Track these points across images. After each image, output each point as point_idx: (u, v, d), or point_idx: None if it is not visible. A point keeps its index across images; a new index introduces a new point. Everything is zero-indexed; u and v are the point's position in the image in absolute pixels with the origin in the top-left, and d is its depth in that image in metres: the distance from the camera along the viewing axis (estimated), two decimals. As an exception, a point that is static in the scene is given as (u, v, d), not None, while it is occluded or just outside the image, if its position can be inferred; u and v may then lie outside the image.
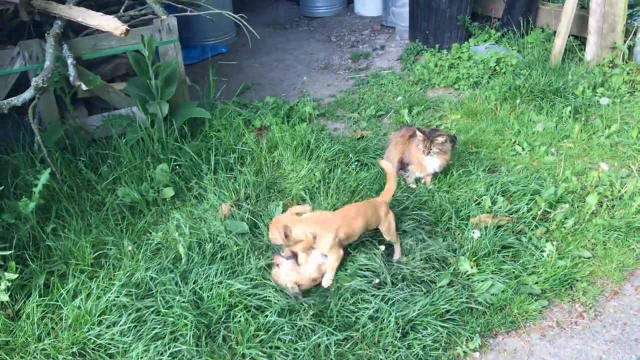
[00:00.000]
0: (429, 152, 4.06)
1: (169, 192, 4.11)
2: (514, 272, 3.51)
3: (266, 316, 3.08)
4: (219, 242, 3.58)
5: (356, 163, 4.51)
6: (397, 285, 3.38)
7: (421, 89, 6.09)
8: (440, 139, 4.04)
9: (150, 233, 3.78)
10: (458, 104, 5.58)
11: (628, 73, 5.74)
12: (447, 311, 3.24)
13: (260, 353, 2.92)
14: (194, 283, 3.30)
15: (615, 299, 3.48)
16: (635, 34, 5.86)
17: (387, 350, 3.02)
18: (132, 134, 4.50)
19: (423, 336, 3.09)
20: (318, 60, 7.34)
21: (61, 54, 4.28)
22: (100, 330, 3.04)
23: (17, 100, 3.94)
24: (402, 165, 4.30)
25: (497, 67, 6.03)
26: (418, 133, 4.08)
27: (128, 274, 3.34)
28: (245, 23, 5.17)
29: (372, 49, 7.51)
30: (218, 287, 3.24)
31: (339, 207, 3.73)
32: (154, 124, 4.60)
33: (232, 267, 3.41)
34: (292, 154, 4.41)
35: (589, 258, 3.67)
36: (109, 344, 2.99)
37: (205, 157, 4.45)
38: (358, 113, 5.65)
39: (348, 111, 5.72)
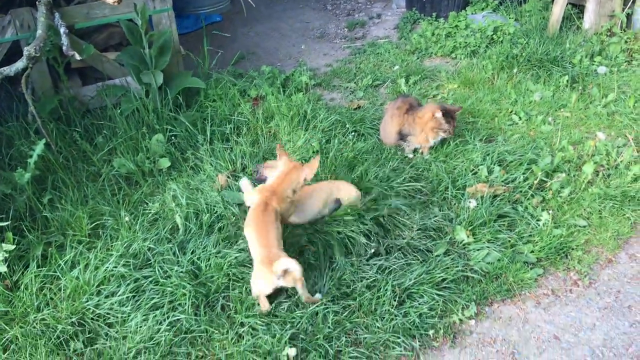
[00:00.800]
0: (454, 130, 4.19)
1: (165, 162, 4.09)
2: (509, 241, 3.53)
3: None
4: (216, 212, 3.58)
5: (353, 133, 4.50)
6: (394, 254, 3.40)
7: (418, 58, 6.03)
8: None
9: (147, 204, 3.77)
10: (455, 74, 5.54)
11: (626, 41, 5.70)
12: (443, 280, 3.28)
13: (258, 322, 2.95)
14: (191, 253, 3.31)
15: (610, 267, 3.52)
16: (634, 1, 5.80)
17: (383, 318, 3.06)
18: (127, 104, 4.46)
19: (419, 304, 3.13)
20: (314, 29, 7.25)
21: (53, 22, 4.21)
22: (99, 300, 3.06)
23: (10, 70, 3.88)
24: (402, 136, 4.28)
25: (494, 36, 5.97)
26: (438, 114, 4.12)
27: (125, 244, 3.35)
28: (240, -9, 5.08)
29: (369, 17, 7.41)
30: (216, 257, 3.25)
31: (337, 179, 3.73)
32: (148, 94, 4.56)
33: (229, 238, 3.42)
34: (289, 125, 4.39)
35: (584, 227, 3.70)
36: (108, 313, 3.01)
37: (200, 127, 4.42)
38: (355, 83, 5.61)
39: (345, 81, 5.67)
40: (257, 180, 3.65)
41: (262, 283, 2.97)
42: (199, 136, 4.32)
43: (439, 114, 4.10)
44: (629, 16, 5.88)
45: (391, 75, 5.62)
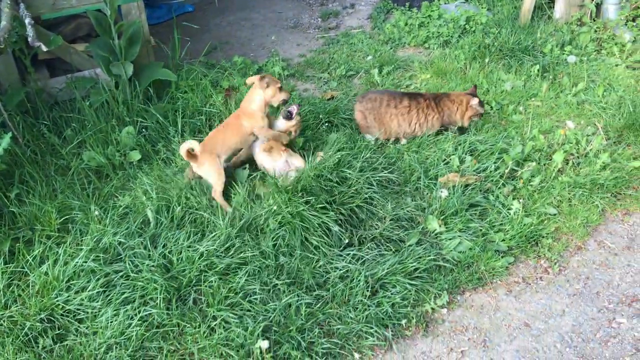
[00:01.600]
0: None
1: (136, 155, 4.04)
2: (481, 229, 3.57)
3: (239, 278, 3.09)
4: (187, 205, 3.54)
5: (327, 124, 4.49)
6: (367, 244, 3.40)
7: (391, 48, 6.03)
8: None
9: (118, 197, 3.73)
10: (428, 63, 5.55)
11: (595, 31, 5.77)
12: (416, 269, 3.30)
13: (231, 315, 2.93)
14: (163, 247, 3.28)
15: (579, 254, 3.57)
16: (603, -9, 5.87)
17: (357, 308, 3.07)
18: (96, 96, 4.39)
19: (392, 294, 3.15)
20: (287, 19, 7.19)
21: (18, 13, 4.11)
22: (68, 296, 3.01)
23: (-27, 62, 3.79)
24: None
25: (467, 26, 6.00)
26: (475, 102, 4.34)
27: (95, 239, 3.30)
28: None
29: (342, 7, 7.38)
30: (187, 250, 3.22)
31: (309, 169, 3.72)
32: (118, 86, 4.49)
33: (202, 230, 3.39)
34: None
35: (554, 215, 3.75)
36: (78, 309, 2.97)
37: (172, 119, 4.37)
38: (328, 73, 5.59)
39: (318, 71, 5.65)
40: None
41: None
42: (170, 128, 4.27)
43: (475, 102, 4.31)
44: (598, 6, 5.95)
45: (365, 66, 5.61)
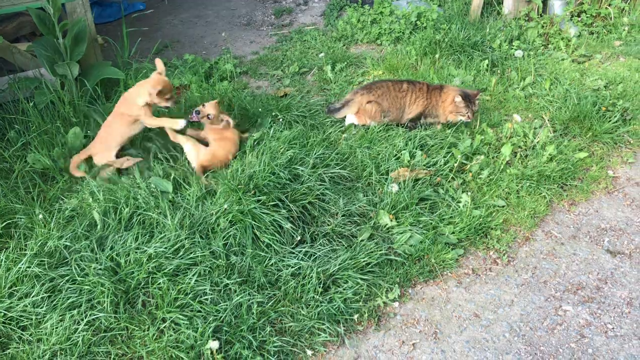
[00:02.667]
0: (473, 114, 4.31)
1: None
2: (431, 223, 3.60)
3: (189, 279, 3.04)
4: (135, 205, 3.47)
5: (280, 121, 4.46)
6: (319, 241, 3.40)
7: (344, 45, 6.05)
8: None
9: (64, 200, 3.63)
10: (380, 60, 5.59)
11: (543, 26, 5.91)
12: (368, 264, 3.31)
13: (180, 316, 2.89)
14: (110, 249, 3.20)
15: (527, 244, 3.65)
16: (549, -13, 6.01)
17: (309, 305, 3.06)
18: (41, 97, 4.27)
19: (344, 289, 3.15)
20: (240, 16, 7.15)
21: (-45, 11, 3.97)
22: (11, 303, 2.91)
23: None
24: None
25: (418, 22, 6.06)
26: (457, 99, 4.23)
27: (40, 243, 3.20)
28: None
29: (296, 4, 7.37)
30: (136, 252, 3.16)
31: (251, 165, 3.69)
32: (64, 86, 4.38)
33: (150, 231, 3.33)
34: (212, 114, 4.30)
35: (502, 207, 3.82)
36: (21, 316, 2.88)
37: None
38: (281, 70, 5.57)
39: (271, 68, 5.63)
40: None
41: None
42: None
43: (458, 99, 4.21)
44: (545, 2, 6.10)
45: (318, 62, 5.61)
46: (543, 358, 2.92)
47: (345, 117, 4.43)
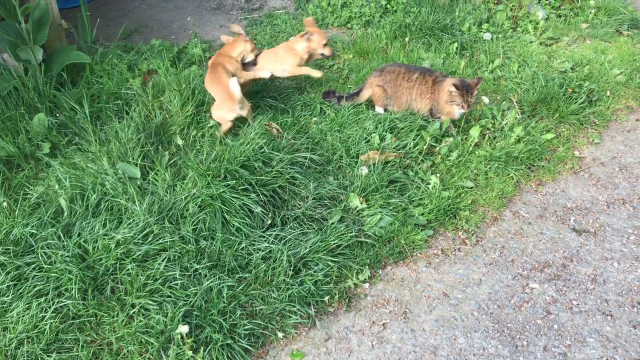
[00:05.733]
0: (469, 104, 4.03)
1: (47, 144, 3.87)
2: (401, 205, 3.63)
3: (159, 264, 3.02)
4: (103, 192, 3.43)
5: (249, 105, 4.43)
6: (290, 224, 3.41)
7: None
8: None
9: (29, 187, 3.57)
10: (350, 43, 5.58)
11: (511, 9, 5.95)
12: (338, 246, 3.33)
13: (150, 302, 2.88)
14: (78, 236, 3.16)
15: (495, 224, 3.70)
16: (517, -30, 6.05)
17: (280, 288, 3.07)
18: (4, 83, 4.17)
19: (315, 272, 3.16)
20: (210, 0, 7.05)
21: None
22: (-25, 292, 2.87)
23: None
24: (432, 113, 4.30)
25: (388, 5, 6.05)
26: (451, 88, 3.98)
27: (5, 231, 3.15)
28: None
29: (266, -12, 7.30)
30: (104, 238, 3.13)
31: (224, 149, 3.66)
32: (28, 71, 4.28)
33: (118, 217, 3.30)
34: (179, 99, 4.25)
35: (471, 188, 3.86)
36: (-14, 305, 2.84)
37: (88, 104, 4.20)
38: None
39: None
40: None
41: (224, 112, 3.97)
42: (86, 113, 4.11)
43: (452, 88, 3.98)
44: (513, -15, 6.14)
45: (288, 46, 5.57)
46: (510, 335, 2.97)
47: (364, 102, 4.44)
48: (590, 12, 6.13)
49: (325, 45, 4.48)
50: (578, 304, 3.14)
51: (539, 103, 4.58)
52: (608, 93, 4.85)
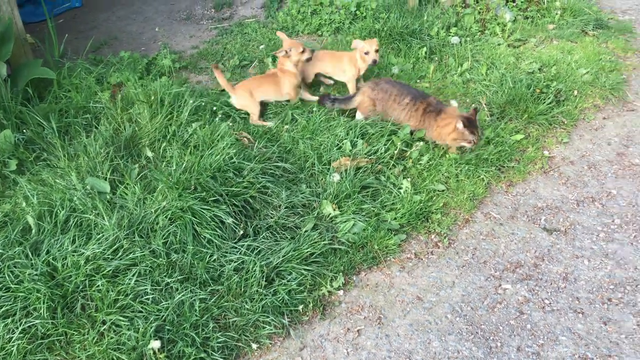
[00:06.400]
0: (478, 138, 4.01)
1: (14, 160, 3.81)
2: (373, 210, 3.64)
3: (129, 279, 2.99)
4: (72, 208, 3.38)
5: (221, 115, 4.42)
6: (262, 234, 3.39)
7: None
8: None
9: (-4, 206, 3.51)
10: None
11: (479, 12, 6.02)
12: (312, 254, 3.32)
13: (121, 318, 2.84)
14: (46, 253, 3.12)
15: (467, 226, 3.72)
16: (483, -26, 6.12)
17: (253, 299, 3.05)
18: (-32, 100, 4.11)
19: (288, 281, 3.15)
20: (180, 10, 7.03)
21: None
22: (-60, 315, 2.81)
23: None
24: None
25: (357, 12, 6.08)
26: (460, 126, 3.90)
27: (-30, 251, 3.10)
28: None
29: (236, -3, 7.30)
30: (73, 255, 3.08)
31: (190, 161, 3.64)
32: (-8, 88, 4.21)
33: (87, 233, 3.25)
34: (148, 111, 4.22)
35: (442, 191, 3.88)
36: (-48, 328, 2.78)
37: (56, 119, 4.15)
38: (222, 64, 5.51)
39: (212, 62, 5.54)
40: None
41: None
42: (53, 129, 4.05)
43: (460, 126, 3.89)
44: (481, -12, 6.21)
45: (258, 55, 5.58)
46: (484, 336, 2.99)
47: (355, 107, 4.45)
48: (557, 13, 6.22)
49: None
50: (550, 303, 3.17)
51: (507, 104, 4.63)
52: (575, 92, 4.92)
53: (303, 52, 4.53)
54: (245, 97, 4.50)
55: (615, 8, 6.84)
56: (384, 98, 4.28)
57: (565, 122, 4.65)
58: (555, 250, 3.53)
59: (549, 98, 4.69)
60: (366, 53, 4.60)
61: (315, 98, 4.64)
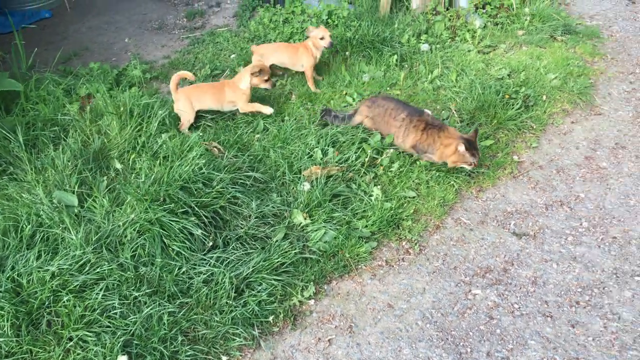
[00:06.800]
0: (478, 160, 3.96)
1: (-22, 176, 3.76)
2: (345, 218, 3.64)
3: (96, 294, 2.95)
4: (38, 223, 3.34)
5: (192, 127, 4.40)
6: (232, 245, 3.37)
7: (257, 45, 6.01)
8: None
9: (-40, 222, 3.44)
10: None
11: (449, 19, 6.07)
12: (282, 264, 3.31)
13: (88, 333, 2.80)
14: (11, 269, 3.06)
15: (438, 232, 3.74)
16: (453, -19, 6.19)
17: (222, 311, 3.03)
18: None
19: (258, 292, 3.14)
20: (151, 20, 6.99)
21: None
22: None
23: None
24: (416, 149, 4.14)
25: (329, 20, 6.10)
26: (461, 149, 3.85)
27: None
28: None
29: (208, 6, 7.27)
30: (39, 271, 3.04)
31: (159, 173, 3.61)
32: (-43, 101, 4.15)
33: (54, 247, 3.21)
34: (117, 122, 4.19)
35: (413, 197, 3.90)
36: None
37: (23, 132, 4.09)
38: (194, 73, 5.47)
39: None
40: None
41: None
42: (19, 142, 4.00)
43: (462, 148, 3.86)
44: (450, -5, 6.27)
45: (230, 64, 5.56)
46: (454, 342, 3.00)
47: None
48: (526, 19, 6.30)
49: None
50: (519, 307, 3.20)
51: (477, 110, 4.68)
52: (544, 97, 4.98)
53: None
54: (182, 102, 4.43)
55: (583, 14, 6.95)
56: (380, 113, 4.25)
57: (534, 127, 4.70)
58: (525, 254, 3.57)
59: (517, 103, 4.74)
60: (321, 38, 4.89)
61: (269, 110, 4.55)
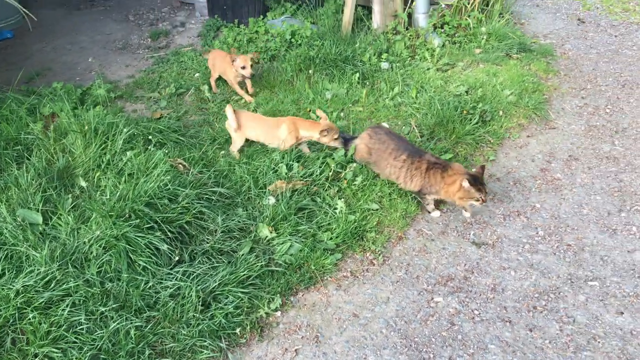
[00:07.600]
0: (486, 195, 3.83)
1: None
2: (310, 231, 3.71)
3: (62, 310, 2.95)
4: (2, 241, 3.32)
5: (155, 143, 4.43)
6: (198, 259, 3.41)
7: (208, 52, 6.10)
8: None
9: None
10: (257, 77, 5.68)
11: (409, 39, 6.26)
12: (249, 277, 3.36)
13: (54, 350, 2.80)
14: (-26, 289, 3.05)
15: (401, 243, 3.85)
16: (412, 2, 6.39)
17: (190, 324, 3.06)
18: None
19: (225, 305, 3.18)
20: (116, 40, 7.02)
21: None
22: None
23: None
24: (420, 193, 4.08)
25: (292, 40, 6.23)
26: (465, 185, 3.74)
27: None
28: (18, 4, 4.77)
29: (172, 26, 7.34)
30: (2, 288, 3.02)
31: (125, 190, 3.63)
32: None
33: (19, 265, 3.20)
34: (82, 140, 4.20)
35: (376, 210, 4.00)
36: None
37: (-15, 152, 4.08)
38: (158, 92, 5.53)
39: (147, 91, 5.57)
40: None
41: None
42: (-18, 162, 3.99)
43: (466, 184, 3.75)
44: (410, 15, 6.47)
45: (195, 83, 5.63)
46: (417, 349, 3.09)
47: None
48: (483, 38, 6.54)
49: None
50: (479, 313, 3.31)
51: (436, 126, 4.83)
52: (501, 113, 5.18)
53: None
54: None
55: (537, 33, 7.24)
56: (380, 149, 4.14)
57: (492, 141, 4.88)
58: (484, 262, 3.69)
59: (475, 119, 4.91)
60: (243, 67, 5.10)
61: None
